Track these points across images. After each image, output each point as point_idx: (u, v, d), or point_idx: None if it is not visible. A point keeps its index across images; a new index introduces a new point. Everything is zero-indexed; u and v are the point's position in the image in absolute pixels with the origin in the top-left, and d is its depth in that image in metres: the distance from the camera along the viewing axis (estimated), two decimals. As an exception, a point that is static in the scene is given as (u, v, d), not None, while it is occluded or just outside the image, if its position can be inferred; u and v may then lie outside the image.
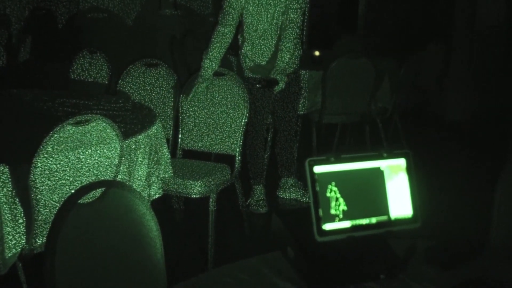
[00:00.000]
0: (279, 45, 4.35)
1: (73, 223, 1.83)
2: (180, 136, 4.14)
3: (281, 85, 4.31)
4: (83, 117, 2.79)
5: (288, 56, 4.33)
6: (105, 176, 2.91)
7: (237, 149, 3.98)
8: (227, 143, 4.02)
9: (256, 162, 4.63)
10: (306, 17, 6.34)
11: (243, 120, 3.99)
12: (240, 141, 3.98)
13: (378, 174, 1.77)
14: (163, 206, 4.08)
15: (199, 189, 3.67)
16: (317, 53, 5.68)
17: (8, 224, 2.65)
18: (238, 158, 3.97)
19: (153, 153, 3.33)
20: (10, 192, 2.64)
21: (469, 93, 7.64)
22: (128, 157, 3.09)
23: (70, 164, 2.77)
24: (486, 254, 1.95)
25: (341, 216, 1.71)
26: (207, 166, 3.93)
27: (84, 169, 2.82)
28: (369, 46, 7.27)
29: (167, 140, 3.94)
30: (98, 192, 1.98)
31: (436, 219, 3.56)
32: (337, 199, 1.70)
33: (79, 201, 1.88)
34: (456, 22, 7.69)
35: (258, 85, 4.31)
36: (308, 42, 7.71)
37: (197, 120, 4.12)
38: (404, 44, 7.89)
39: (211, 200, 3.71)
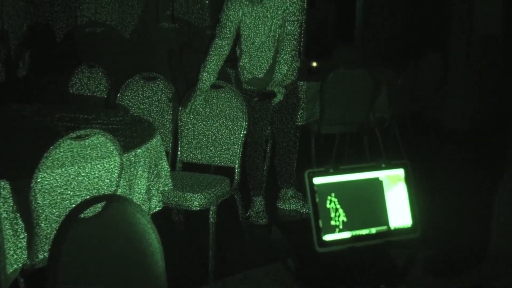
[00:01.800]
0: (277, 57, 4.36)
1: (74, 238, 1.83)
2: (179, 148, 4.15)
3: (279, 97, 4.31)
4: (83, 131, 2.80)
5: (286, 68, 4.33)
6: (106, 190, 2.92)
7: (237, 161, 3.99)
8: (226, 155, 4.03)
9: (256, 174, 4.64)
10: (302, 28, 6.36)
11: (242, 132, 4.01)
12: (239, 153, 3.99)
13: (377, 185, 1.78)
14: (163, 219, 4.09)
15: (199, 201, 3.68)
16: (314, 63, 5.70)
17: (10, 239, 2.66)
18: (237, 170, 3.98)
19: (152, 166, 3.34)
20: (11, 208, 2.65)
21: (467, 101, 7.67)
22: (128, 171, 3.09)
23: (70, 178, 2.78)
24: (485, 263, 1.96)
25: (341, 227, 1.72)
26: (207, 179, 3.94)
27: (85, 183, 2.83)
28: (366, 56, 7.30)
29: (167, 153, 3.95)
30: (99, 206, 1.99)
31: (435, 228, 3.57)
32: (336, 210, 1.71)
33: (80, 216, 1.89)
34: (453, 30, 7.72)
35: (255, 99, 4.31)
36: (305, 53, 7.74)
37: (196, 133, 4.13)
38: (401, 54, 7.92)
39: (211, 212, 3.71)
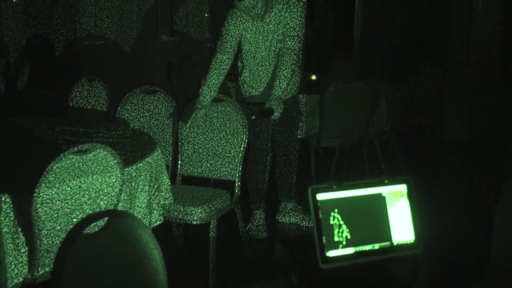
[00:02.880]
0: (277, 72, 4.33)
1: (78, 254, 1.83)
2: (179, 162, 4.15)
3: (277, 113, 4.24)
4: (84, 146, 2.80)
5: (286, 82, 4.30)
6: (106, 204, 2.92)
7: (237, 175, 3.99)
8: (226, 169, 4.04)
9: (256, 187, 4.64)
10: (302, 42, 6.39)
11: (242, 146, 4.01)
12: (239, 166, 4.00)
13: (380, 200, 1.79)
14: (163, 232, 4.08)
15: (200, 215, 3.68)
16: (313, 76, 5.72)
17: (11, 253, 2.65)
18: (237, 183, 3.98)
19: (153, 180, 3.34)
20: (12, 222, 2.64)
21: (466, 113, 7.68)
22: (129, 185, 3.10)
23: (71, 193, 2.78)
24: (487, 277, 1.96)
25: (344, 243, 1.72)
26: (207, 192, 3.94)
27: (86, 197, 2.83)
28: (365, 69, 7.32)
29: (167, 166, 3.95)
30: (101, 222, 1.99)
31: (437, 242, 3.57)
32: (340, 226, 1.72)
33: (83, 231, 1.89)
34: (452, 42, 7.75)
35: (253, 117, 4.27)
36: (304, 66, 7.76)
37: (196, 146, 4.13)
38: (399, 66, 7.95)
39: (211, 226, 3.71)
